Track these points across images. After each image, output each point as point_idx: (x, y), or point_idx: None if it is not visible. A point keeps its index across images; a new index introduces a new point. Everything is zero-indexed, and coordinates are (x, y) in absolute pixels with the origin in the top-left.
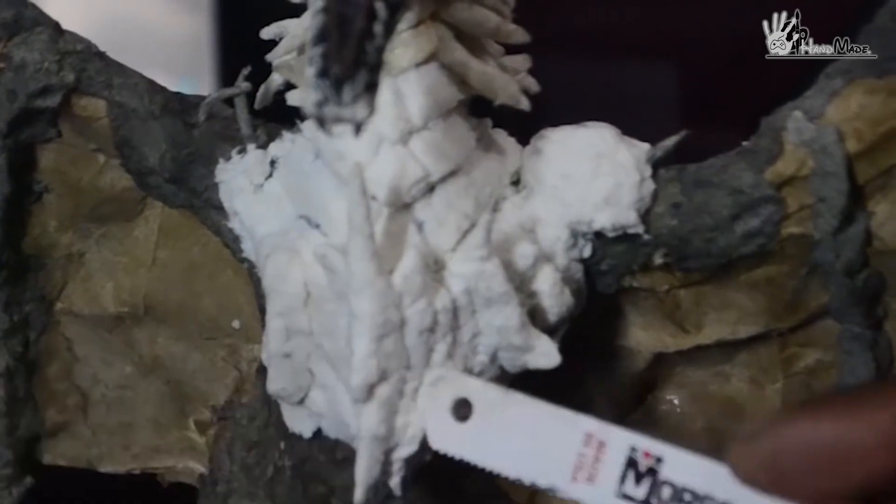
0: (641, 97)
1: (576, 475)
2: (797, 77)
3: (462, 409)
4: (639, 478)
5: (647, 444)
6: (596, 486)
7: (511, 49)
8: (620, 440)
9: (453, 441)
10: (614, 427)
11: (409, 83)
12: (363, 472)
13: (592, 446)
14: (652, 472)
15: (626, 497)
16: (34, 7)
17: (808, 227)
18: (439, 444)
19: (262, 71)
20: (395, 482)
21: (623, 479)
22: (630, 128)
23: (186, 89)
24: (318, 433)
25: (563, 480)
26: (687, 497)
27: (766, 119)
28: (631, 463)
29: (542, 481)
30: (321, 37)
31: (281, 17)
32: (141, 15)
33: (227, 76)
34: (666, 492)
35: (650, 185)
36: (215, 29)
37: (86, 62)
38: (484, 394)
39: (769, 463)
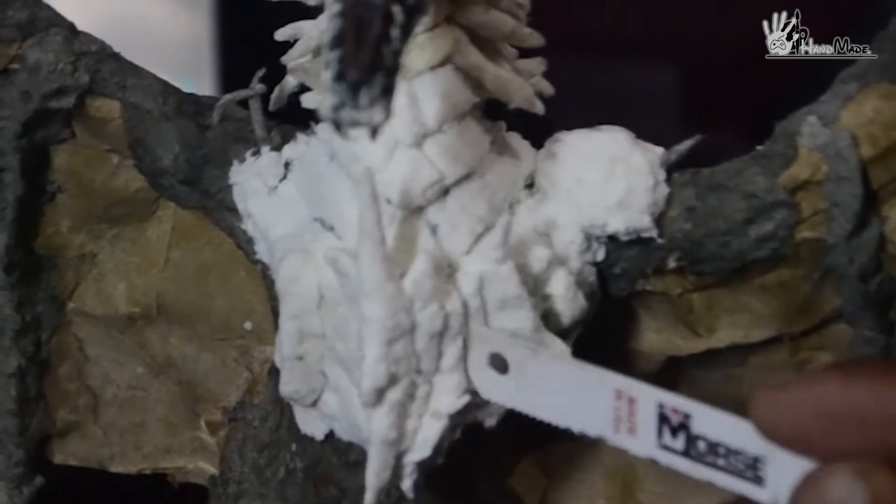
0: (642, 98)
1: (617, 427)
2: (797, 77)
3: (499, 362)
4: (674, 432)
5: (673, 401)
6: (638, 437)
7: (525, 52)
8: (648, 397)
9: (497, 392)
10: (640, 384)
11: (424, 86)
12: (374, 476)
13: (624, 401)
14: (684, 427)
15: (667, 448)
16: (49, 8)
17: (822, 232)
18: (486, 394)
19: (267, 71)
20: (406, 485)
21: (660, 432)
22: (631, 128)
23: (186, 89)
24: (330, 435)
25: (608, 431)
26: (721, 451)
27: (781, 124)
28: (663, 418)
29: (590, 431)
30: (338, 40)
31: (282, 17)
32: (141, 15)
33: (227, 76)
34: (701, 445)
35: (664, 189)
36: (215, 29)
37: (100, 63)
38: (513, 350)
39: (793, 418)
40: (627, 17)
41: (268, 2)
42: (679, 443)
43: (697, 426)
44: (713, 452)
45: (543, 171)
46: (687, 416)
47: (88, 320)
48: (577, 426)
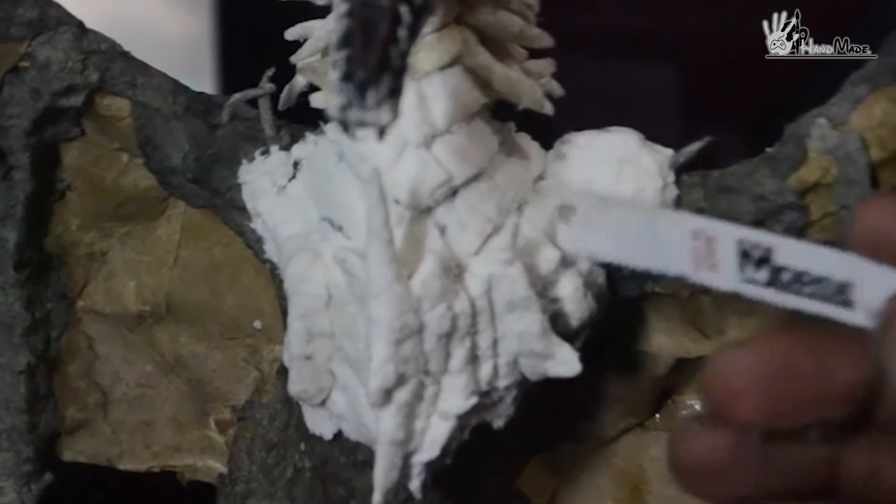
0: (641, 97)
1: (697, 265)
2: (797, 77)
3: (569, 212)
4: (757, 264)
5: (754, 236)
6: (719, 272)
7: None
8: (727, 234)
9: (570, 241)
10: (717, 222)
11: (432, 87)
12: (382, 476)
13: (702, 240)
14: (766, 260)
15: (751, 281)
16: (58, 6)
17: (832, 234)
18: (562, 244)
19: (261, 71)
20: (414, 485)
21: (742, 267)
22: (630, 127)
23: None
24: (338, 435)
25: (688, 269)
26: (806, 279)
27: (790, 126)
28: (744, 254)
29: (670, 269)
30: (345, 41)
31: (282, 17)
32: (141, 15)
33: (227, 76)
34: (785, 276)
35: (673, 191)
36: (215, 29)
37: (110, 62)
38: (581, 199)
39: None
40: (627, 17)
41: (267, 1)
42: (762, 274)
43: (780, 258)
44: (798, 281)
45: (553, 172)
46: (768, 250)
47: (98, 318)
48: (655, 266)
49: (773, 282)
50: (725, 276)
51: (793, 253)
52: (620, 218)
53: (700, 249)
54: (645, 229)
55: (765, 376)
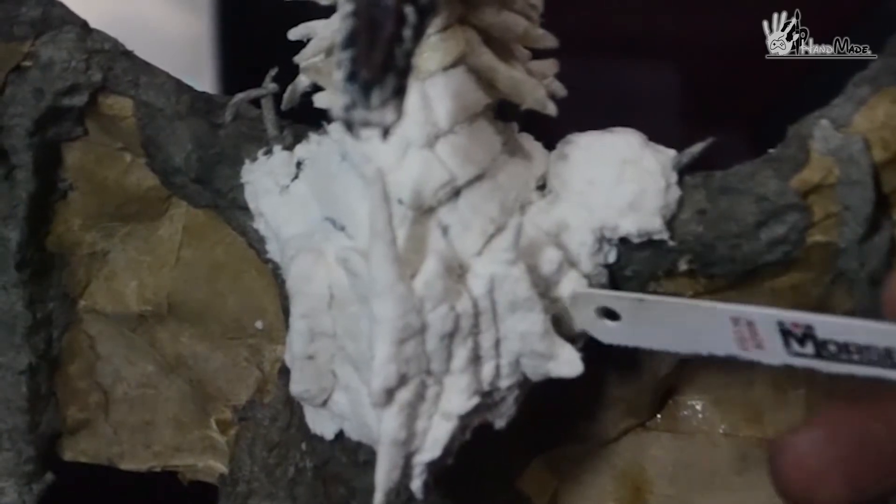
0: (643, 98)
1: (744, 346)
2: (797, 77)
3: (609, 313)
4: (800, 341)
5: (791, 317)
6: (767, 350)
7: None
8: (765, 318)
9: (617, 336)
10: (752, 308)
11: (436, 87)
12: (383, 476)
13: (742, 325)
14: (809, 336)
15: (799, 355)
16: (62, 5)
17: (834, 236)
18: (606, 340)
19: (261, 71)
20: (416, 486)
21: (787, 343)
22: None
23: None
24: (340, 435)
25: (736, 350)
26: (852, 349)
27: (793, 127)
28: (785, 332)
29: (718, 352)
30: (350, 41)
31: (282, 17)
32: (141, 14)
33: (227, 76)
34: (831, 348)
35: (676, 192)
36: (215, 29)
37: (113, 61)
38: (619, 302)
39: None
40: (628, 18)
41: (268, 1)
42: (809, 349)
43: (822, 333)
44: (845, 351)
45: (555, 172)
46: (809, 327)
47: (99, 318)
48: (704, 351)
49: (820, 354)
50: (773, 354)
51: (832, 328)
52: (661, 314)
53: (743, 332)
54: (687, 321)
55: (844, 452)
